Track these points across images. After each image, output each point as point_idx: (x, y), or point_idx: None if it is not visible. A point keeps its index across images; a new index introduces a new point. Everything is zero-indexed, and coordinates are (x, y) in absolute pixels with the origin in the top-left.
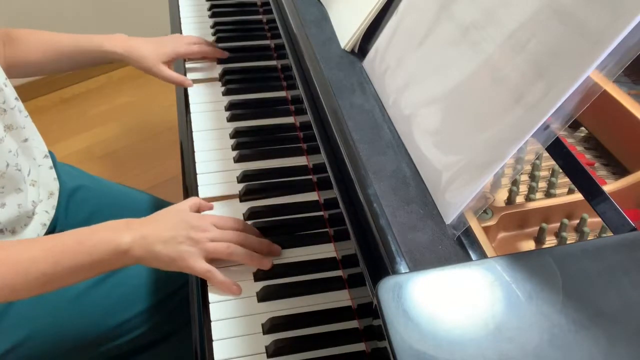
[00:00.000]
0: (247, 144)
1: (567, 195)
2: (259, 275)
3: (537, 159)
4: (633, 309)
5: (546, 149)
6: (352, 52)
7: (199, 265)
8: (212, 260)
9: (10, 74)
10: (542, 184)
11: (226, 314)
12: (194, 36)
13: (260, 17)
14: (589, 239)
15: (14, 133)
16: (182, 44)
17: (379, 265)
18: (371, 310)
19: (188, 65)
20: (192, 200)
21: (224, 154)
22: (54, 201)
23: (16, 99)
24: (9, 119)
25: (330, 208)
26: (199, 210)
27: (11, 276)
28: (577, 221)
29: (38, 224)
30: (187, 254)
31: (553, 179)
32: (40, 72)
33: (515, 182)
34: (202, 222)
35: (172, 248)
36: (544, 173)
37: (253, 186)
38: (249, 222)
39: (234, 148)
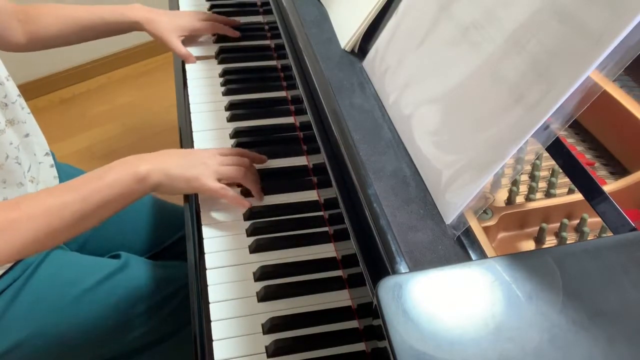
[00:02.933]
0: (247, 144)
1: (567, 195)
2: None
3: (537, 159)
4: (633, 309)
5: (546, 149)
6: (352, 52)
7: (213, 184)
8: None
9: (33, 47)
10: (542, 184)
11: (226, 314)
12: (206, 12)
13: (260, 17)
14: (589, 239)
15: (16, 127)
16: (197, 19)
17: (379, 265)
18: (371, 310)
19: (188, 67)
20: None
21: None
22: None
23: (18, 95)
24: (10, 114)
25: (330, 208)
26: None
27: (47, 221)
28: (577, 221)
29: None
30: (201, 175)
31: (553, 179)
32: (62, 44)
33: (515, 182)
34: (208, 151)
35: (187, 170)
36: (544, 173)
37: None
38: (249, 222)
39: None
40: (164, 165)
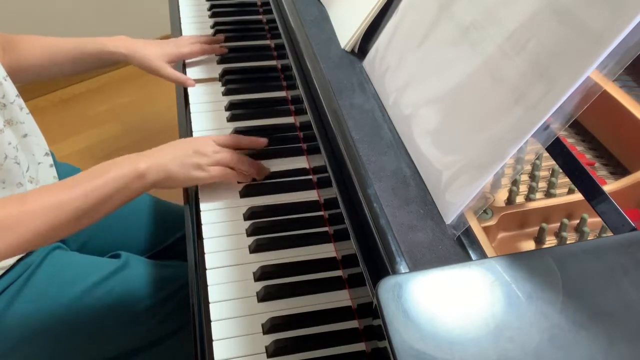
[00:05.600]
0: None
1: (567, 195)
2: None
3: (537, 159)
4: (633, 309)
5: (546, 149)
6: (352, 52)
7: (214, 170)
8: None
9: (14, 79)
10: (542, 184)
11: (226, 314)
12: (192, 36)
13: (260, 17)
14: (589, 239)
15: (14, 128)
16: (183, 44)
17: (379, 265)
18: (371, 310)
19: (189, 69)
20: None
21: None
22: None
23: (17, 95)
24: (8, 114)
25: (330, 208)
26: None
27: (51, 217)
28: (577, 221)
29: None
30: (199, 165)
31: (553, 179)
32: (43, 76)
33: (515, 182)
34: (203, 139)
35: (184, 163)
36: (544, 173)
37: (253, 186)
38: (249, 222)
39: None
40: (161, 161)
